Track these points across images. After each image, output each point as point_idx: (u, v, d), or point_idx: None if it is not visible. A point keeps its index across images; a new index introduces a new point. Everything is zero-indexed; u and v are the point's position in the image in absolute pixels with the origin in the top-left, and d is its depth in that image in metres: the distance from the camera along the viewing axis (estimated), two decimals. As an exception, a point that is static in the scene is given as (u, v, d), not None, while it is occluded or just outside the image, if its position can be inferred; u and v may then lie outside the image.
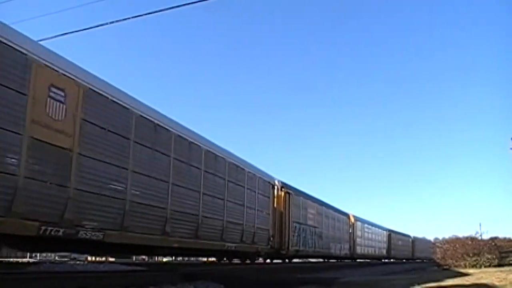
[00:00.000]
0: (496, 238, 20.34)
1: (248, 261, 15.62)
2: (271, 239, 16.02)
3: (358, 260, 31.04)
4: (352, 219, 30.24)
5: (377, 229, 37.84)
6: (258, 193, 14.76)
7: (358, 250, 30.95)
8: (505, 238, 21.83)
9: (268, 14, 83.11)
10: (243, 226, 13.36)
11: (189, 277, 7.30)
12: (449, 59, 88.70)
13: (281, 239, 17.20)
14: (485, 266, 15.27)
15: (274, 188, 16.91)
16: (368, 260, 33.46)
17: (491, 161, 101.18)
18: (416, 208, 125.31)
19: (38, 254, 22.39)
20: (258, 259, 17.56)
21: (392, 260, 41.37)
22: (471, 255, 16.48)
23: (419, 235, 59.66)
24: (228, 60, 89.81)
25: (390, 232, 42.22)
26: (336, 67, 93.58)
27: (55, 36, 10.62)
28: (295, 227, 18.82)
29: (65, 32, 10.77)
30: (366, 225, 34.01)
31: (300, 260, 24.07)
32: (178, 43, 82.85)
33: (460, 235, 20.09)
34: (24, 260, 17.27)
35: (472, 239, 18.31)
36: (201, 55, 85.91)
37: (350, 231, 29.49)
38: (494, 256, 16.35)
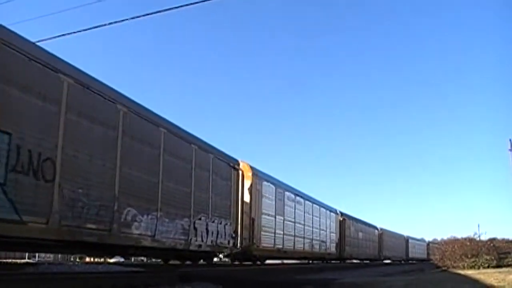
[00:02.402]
0: (494, 239, 20.32)
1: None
2: None
3: (267, 262, 17.00)
4: (250, 176, 14.49)
5: (316, 207, 21.78)
6: None
7: (265, 240, 15.71)
8: (503, 239, 21.84)
9: (268, 15, 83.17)
10: None
11: (187, 278, 7.30)
12: (448, 63, 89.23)
13: None
14: (483, 267, 15.25)
15: None
16: (296, 261, 20.37)
17: (489, 163, 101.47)
18: (415, 209, 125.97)
19: (37, 255, 22.27)
20: None
21: (353, 261, 28.56)
22: (469, 256, 16.44)
23: (418, 236, 53.29)
24: (228, 61, 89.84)
25: (344, 217, 26.91)
26: (338, 70, 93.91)
27: (53, 37, 10.65)
28: None
29: (63, 33, 10.81)
30: (288, 194, 17.98)
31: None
32: (177, 46, 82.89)
33: (459, 236, 20.08)
34: (22, 261, 17.26)
35: (471, 240, 18.27)
36: (200, 56, 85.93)
37: (247, 199, 14.11)
38: (493, 257, 16.31)
